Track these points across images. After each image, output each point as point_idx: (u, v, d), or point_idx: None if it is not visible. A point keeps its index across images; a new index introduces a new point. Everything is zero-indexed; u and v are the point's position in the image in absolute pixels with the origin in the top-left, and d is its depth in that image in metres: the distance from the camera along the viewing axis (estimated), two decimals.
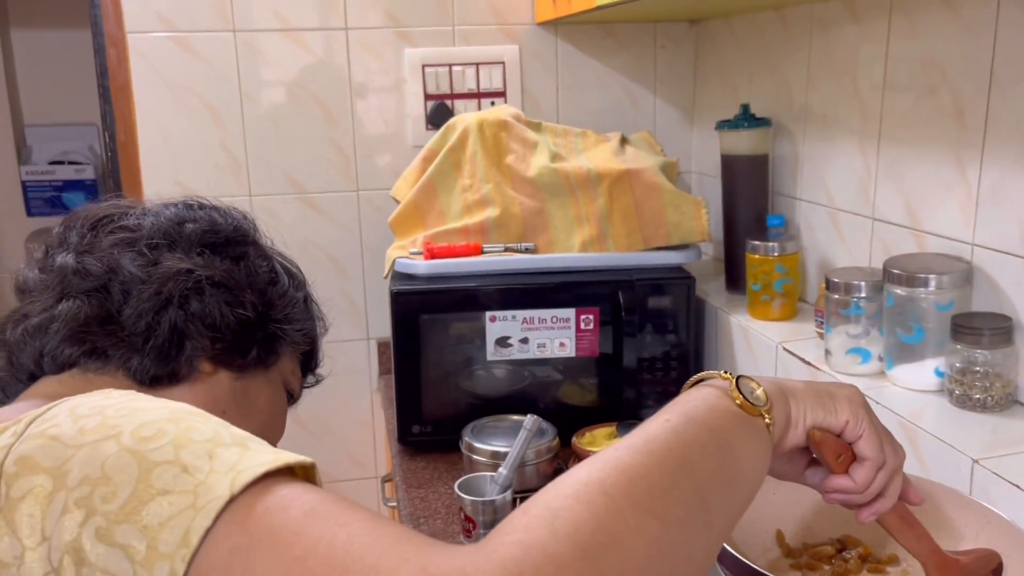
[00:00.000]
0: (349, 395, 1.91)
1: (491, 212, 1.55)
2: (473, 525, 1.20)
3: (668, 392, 1.51)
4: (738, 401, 0.64)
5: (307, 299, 0.90)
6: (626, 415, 1.50)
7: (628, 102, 1.90)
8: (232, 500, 0.50)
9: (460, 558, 0.47)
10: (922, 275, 1.11)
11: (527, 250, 1.54)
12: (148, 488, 0.51)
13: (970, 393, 1.06)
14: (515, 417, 1.39)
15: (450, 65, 1.81)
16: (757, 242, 1.46)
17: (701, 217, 1.53)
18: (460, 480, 1.25)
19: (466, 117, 1.62)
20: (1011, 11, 1.05)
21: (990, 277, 1.11)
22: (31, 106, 3.41)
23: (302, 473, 0.56)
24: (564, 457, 1.41)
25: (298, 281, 0.89)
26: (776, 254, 1.43)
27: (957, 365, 1.07)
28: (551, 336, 1.49)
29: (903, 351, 1.15)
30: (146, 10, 1.70)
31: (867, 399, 1.13)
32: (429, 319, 1.48)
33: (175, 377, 0.76)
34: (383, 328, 1.87)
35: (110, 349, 0.74)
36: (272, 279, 0.85)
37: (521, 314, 1.48)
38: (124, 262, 0.76)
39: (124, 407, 0.56)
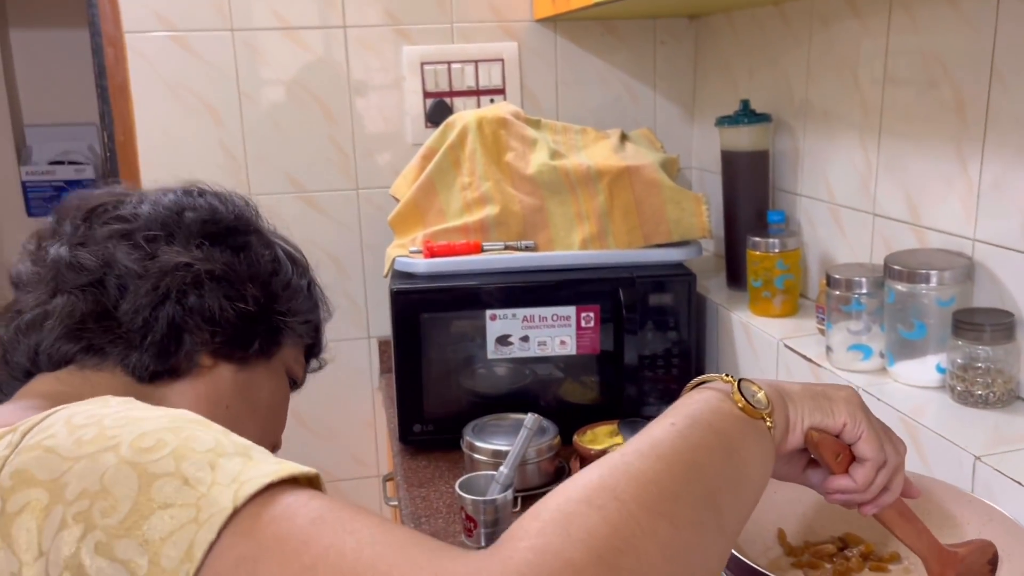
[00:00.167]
0: (350, 394, 1.91)
1: (491, 210, 1.54)
2: (474, 524, 1.20)
3: (669, 389, 1.51)
4: (740, 404, 0.64)
5: (311, 285, 0.88)
6: (627, 412, 1.49)
7: (628, 98, 1.90)
8: (236, 512, 0.49)
9: (474, 564, 0.46)
10: (923, 271, 1.10)
11: (527, 248, 1.54)
12: (149, 501, 0.49)
13: (972, 389, 1.06)
14: (516, 415, 1.39)
15: (449, 63, 1.80)
16: (758, 238, 1.45)
17: (702, 213, 1.53)
18: (461, 479, 1.25)
19: (465, 115, 1.62)
20: (1011, 4, 1.04)
21: (992, 272, 1.10)
22: (31, 106, 3.41)
23: (306, 482, 0.55)
24: (565, 455, 1.41)
25: (301, 268, 0.87)
26: (777, 250, 1.43)
27: (959, 361, 1.06)
28: (552, 334, 1.49)
29: (904, 347, 1.14)
30: (144, 9, 1.69)
31: (868, 396, 1.13)
32: (429, 318, 1.47)
33: (175, 372, 0.74)
34: (384, 327, 1.87)
35: (107, 346, 0.72)
36: (275, 269, 0.82)
37: (521, 312, 1.47)
38: (120, 255, 0.74)
39: (122, 416, 0.55)
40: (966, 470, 0.96)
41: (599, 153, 1.60)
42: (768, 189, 1.59)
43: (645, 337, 1.49)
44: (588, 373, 1.51)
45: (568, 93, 1.87)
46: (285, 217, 1.77)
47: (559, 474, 1.38)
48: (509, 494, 1.21)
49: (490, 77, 1.82)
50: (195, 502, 0.49)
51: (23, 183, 3.33)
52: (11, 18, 3.34)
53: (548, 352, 1.49)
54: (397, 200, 1.65)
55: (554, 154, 1.58)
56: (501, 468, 1.24)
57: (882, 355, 1.20)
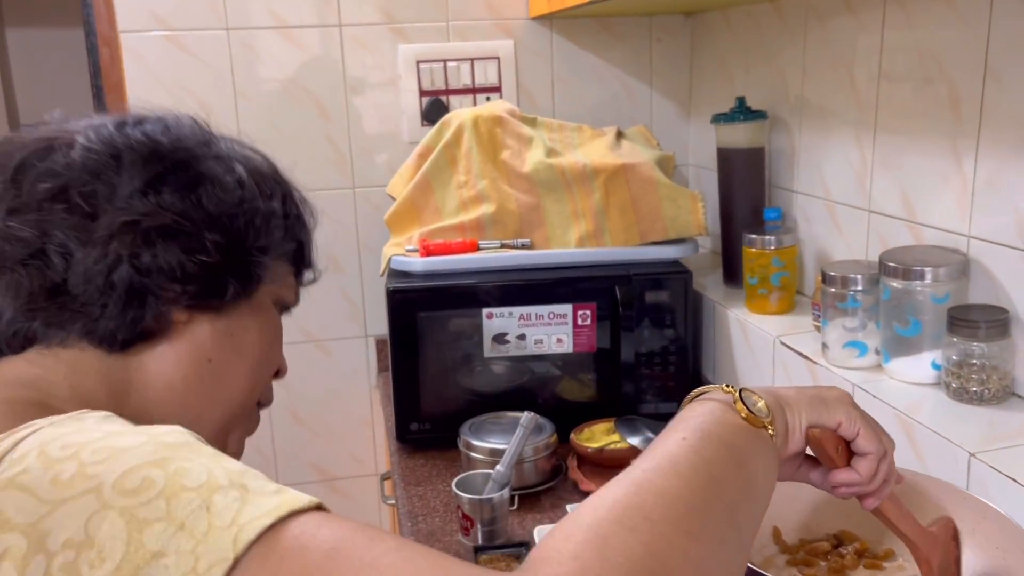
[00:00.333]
0: (348, 393, 1.91)
1: (487, 208, 1.54)
2: (471, 523, 1.20)
3: (666, 387, 1.51)
4: (743, 414, 0.64)
5: (285, 200, 0.77)
6: (624, 410, 1.50)
7: (624, 96, 1.90)
8: (237, 561, 0.46)
9: None
10: (918, 268, 1.11)
11: (523, 246, 1.54)
12: (140, 550, 0.46)
13: (967, 386, 1.06)
14: (513, 414, 1.39)
15: (445, 61, 1.80)
16: (754, 235, 1.45)
17: (698, 211, 1.53)
18: (458, 478, 1.25)
19: (461, 113, 1.62)
20: (1005, 1, 1.04)
21: (987, 269, 1.10)
22: (27, 105, 3.41)
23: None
24: (563, 453, 1.41)
25: (270, 186, 0.76)
26: (773, 247, 1.43)
27: (954, 358, 1.07)
28: (548, 332, 1.49)
29: (900, 344, 1.15)
30: (139, 9, 1.69)
31: (864, 393, 1.13)
32: (426, 316, 1.48)
33: (148, 336, 0.68)
34: (381, 326, 1.87)
35: (65, 323, 0.65)
36: (239, 198, 0.71)
37: (518, 310, 1.47)
38: (56, 221, 0.65)
39: (101, 447, 0.50)
40: (961, 467, 0.96)
41: (595, 151, 1.60)
42: (764, 186, 1.59)
43: (642, 335, 1.50)
44: (585, 371, 1.52)
45: (564, 91, 1.87)
46: None
47: (556, 472, 1.38)
48: (506, 492, 1.21)
49: (486, 75, 1.82)
50: (192, 550, 0.46)
51: None
52: (7, 18, 3.33)
53: (545, 350, 1.49)
54: (393, 199, 1.65)
55: (550, 152, 1.58)
56: (498, 467, 1.24)
57: (878, 352, 1.20)
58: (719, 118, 1.57)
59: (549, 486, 1.35)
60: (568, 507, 1.25)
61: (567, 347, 1.49)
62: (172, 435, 0.53)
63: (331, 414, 1.92)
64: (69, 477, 0.48)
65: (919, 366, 1.13)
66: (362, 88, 1.80)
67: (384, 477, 1.64)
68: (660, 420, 1.42)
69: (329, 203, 1.82)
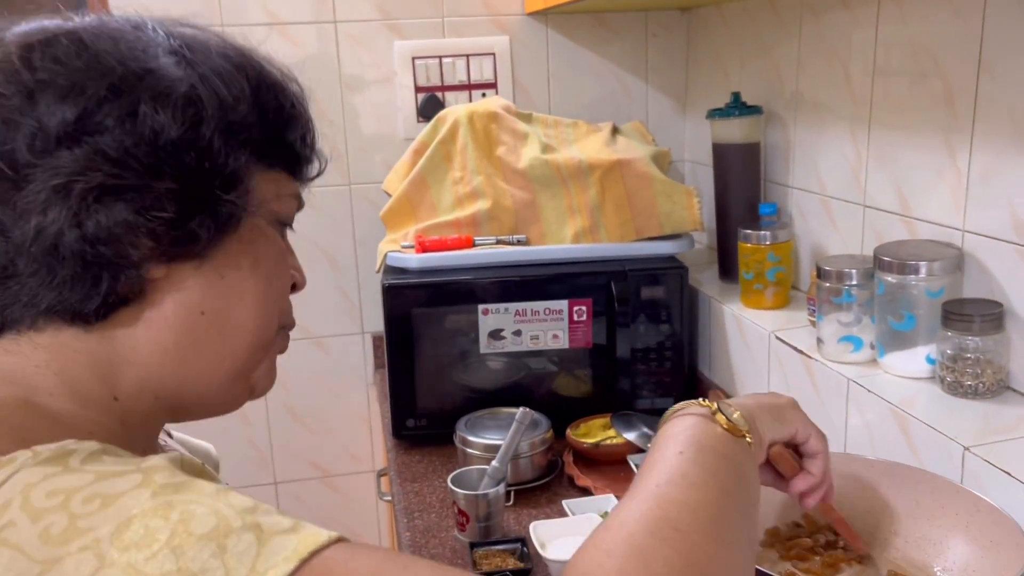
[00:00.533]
0: (345, 389, 1.91)
1: (482, 204, 1.54)
2: (467, 519, 1.20)
3: (662, 382, 1.51)
4: (725, 425, 0.67)
5: (259, 94, 0.63)
6: (620, 406, 1.50)
7: (620, 91, 1.89)
8: None
9: None
10: (912, 262, 1.11)
11: (519, 242, 1.54)
12: None
13: (961, 380, 1.06)
14: (509, 410, 1.39)
15: (440, 57, 1.80)
16: (749, 231, 1.45)
17: (693, 207, 1.53)
18: (453, 474, 1.25)
19: (456, 109, 1.62)
20: None
21: (981, 263, 1.10)
22: None
23: None
24: (559, 449, 1.41)
25: (234, 84, 0.61)
26: (768, 243, 1.43)
27: (948, 352, 1.07)
28: (544, 328, 1.49)
29: (894, 338, 1.15)
30: (133, 5, 1.68)
31: (859, 387, 1.14)
32: (421, 313, 1.48)
33: (123, 302, 0.58)
34: (378, 322, 1.87)
35: (25, 305, 0.57)
36: (190, 120, 0.58)
37: (514, 306, 1.47)
38: None
39: (92, 493, 0.46)
40: (955, 461, 0.96)
41: (591, 147, 1.60)
42: (759, 181, 1.59)
43: (637, 330, 1.50)
44: (581, 367, 1.52)
45: (560, 86, 1.87)
46: None
47: (552, 468, 1.38)
48: (501, 488, 1.21)
49: (482, 71, 1.82)
50: None
51: None
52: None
53: (541, 346, 1.49)
54: (389, 195, 1.65)
55: (545, 148, 1.58)
56: (493, 462, 1.24)
57: (872, 346, 1.20)
58: (714, 113, 1.57)
59: (545, 481, 1.35)
60: (564, 503, 1.25)
61: (563, 343, 1.49)
62: (169, 473, 0.48)
63: (328, 411, 1.92)
64: (60, 531, 0.44)
65: (914, 360, 1.13)
66: (358, 85, 1.80)
67: (381, 473, 1.64)
68: (656, 416, 1.41)
69: (325, 199, 1.82)
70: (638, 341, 1.50)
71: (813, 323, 1.31)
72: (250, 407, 1.93)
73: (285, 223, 0.69)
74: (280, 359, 0.71)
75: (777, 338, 1.34)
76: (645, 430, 1.35)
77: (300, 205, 0.71)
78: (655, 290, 1.49)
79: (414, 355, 1.48)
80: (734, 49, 1.70)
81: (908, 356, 1.14)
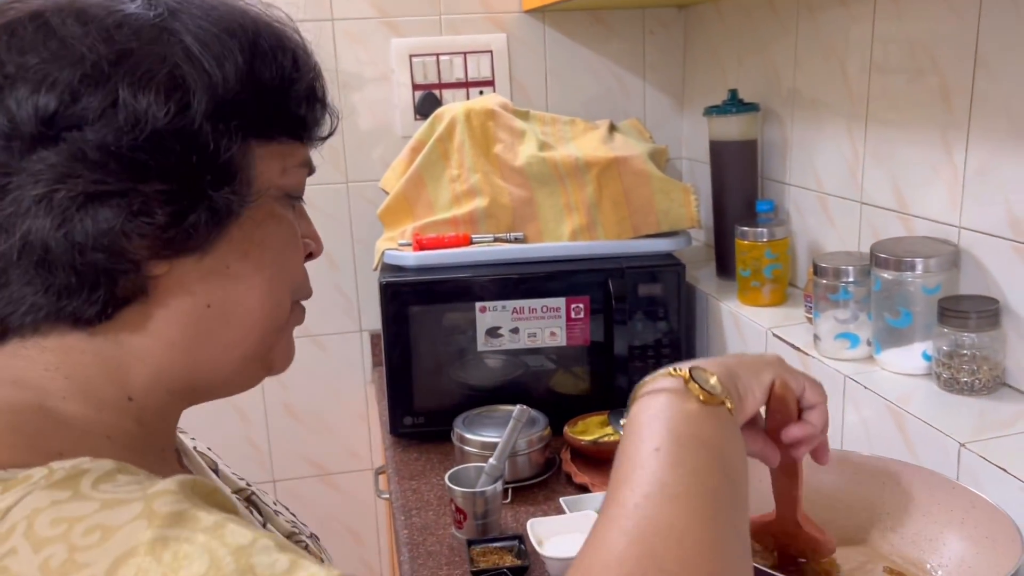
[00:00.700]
0: (343, 387, 1.92)
1: (480, 202, 1.54)
2: (464, 516, 1.20)
3: None
4: (701, 397, 0.61)
5: (255, 63, 0.57)
6: (618, 403, 1.49)
7: (618, 88, 1.89)
8: None
9: None
10: (909, 259, 1.11)
11: (516, 240, 1.54)
12: None
13: (958, 376, 1.06)
14: (506, 407, 1.39)
15: (437, 55, 1.80)
16: (746, 228, 1.45)
17: (690, 204, 1.53)
18: (451, 471, 1.25)
19: (453, 107, 1.62)
20: None
21: (977, 260, 1.10)
22: None
23: None
24: (556, 446, 1.41)
25: (228, 57, 0.56)
26: (765, 240, 1.43)
27: (944, 348, 1.07)
28: (542, 326, 1.49)
29: (891, 335, 1.15)
30: None
31: (855, 384, 1.14)
32: (419, 311, 1.48)
33: (127, 300, 0.56)
34: (375, 320, 1.87)
35: (25, 315, 0.54)
36: (180, 102, 0.53)
37: (511, 304, 1.48)
38: None
39: (94, 524, 0.45)
40: (951, 457, 0.96)
41: (588, 144, 1.60)
42: (757, 178, 1.59)
43: (635, 328, 1.50)
44: (578, 364, 1.52)
45: (557, 84, 1.87)
46: None
47: (549, 465, 1.38)
48: (498, 486, 1.21)
49: (479, 69, 1.81)
50: None
51: None
52: None
53: (538, 344, 1.50)
54: (386, 193, 1.65)
55: (543, 145, 1.58)
56: (490, 460, 1.24)
57: (869, 343, 1.20)
58: (711, 111, 1.57)
59: (543, 479, 1.35)
60: (561, 500, 1.25)
61: (560, 340, 1.50)
62: (169, 498, 0.47)
63: (326, 408, 1.92)
64: (59, 564, 0.43)
65: (910, 357, 1.13)
66: (355, 82, 1.80)
67: (379, 471, 1.64)
68: None
69: (322, 197, 1.82)
70: (635, 338, 1.50)
71: (810, 320, 1.31)
72: (248, 405, 1.92)
73: (295, 198, 0.65)
74: None
75: (774, 335, 1.34)
76: None
77: (311, 170, 0.66)
78: (652, 287, 1.49)
79: (412, 353, 1.48)
80: (731, 46, 1.70)
81: (904, 353, 1.14)
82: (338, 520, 1.98)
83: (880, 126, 1.28)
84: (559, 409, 1.45)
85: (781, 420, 0.72)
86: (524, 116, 1.66)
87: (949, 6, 1.11)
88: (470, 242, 1.53)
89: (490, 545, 1.17)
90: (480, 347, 1.49)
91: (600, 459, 1.38)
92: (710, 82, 1.80)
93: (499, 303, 1.48)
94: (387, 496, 1.45)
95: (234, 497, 0.71)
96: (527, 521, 1.16)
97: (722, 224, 1.60)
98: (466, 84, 1.82)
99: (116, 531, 0.44)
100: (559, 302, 1.48)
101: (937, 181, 1.16)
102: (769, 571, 0.74)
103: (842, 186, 1.38)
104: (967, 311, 1.04)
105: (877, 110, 1.28)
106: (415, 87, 1.81)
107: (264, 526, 0.72)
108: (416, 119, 1.80)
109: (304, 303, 0.70)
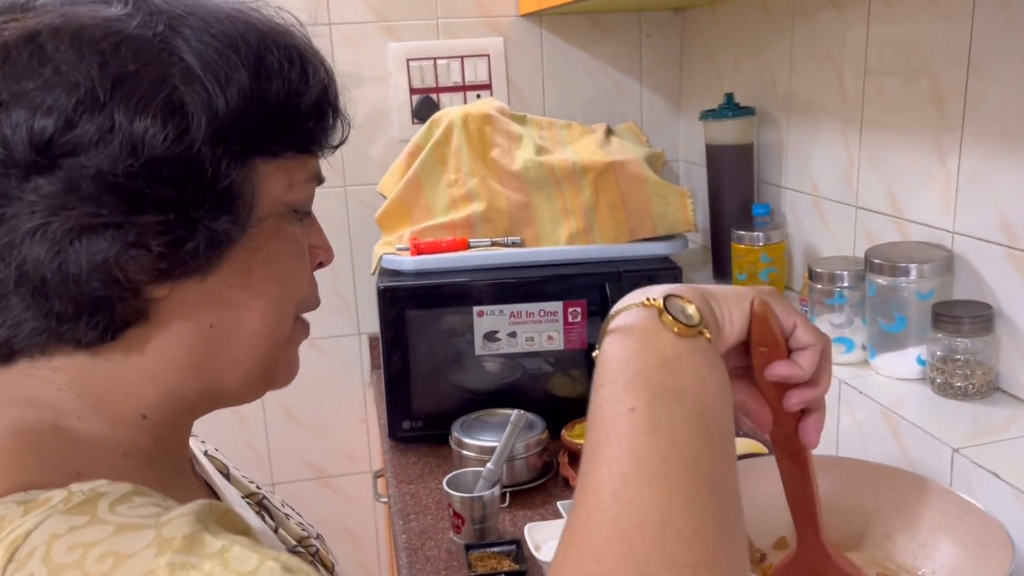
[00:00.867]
0: (342, 390, 1.92)
1: (477, 206, 1.55)
2: (462, 521, 1.21)
3: None
4: (676, 330, 0.55)
5: (258, 70, 0.55)
6: None
7: (615, 92, 1.90)
8: None
9: None
10: (903, 264, 1.11)
11: (514, 244, 1.54)
12: None
13: (951, 381, 1.07)
14: (504, 411, 1.40)
15: (435, 59, 1.80)
16: (742, 231, 1.46)
17: (686, 208, 1.54)
18: (449, 476, 1.26)
19: (450, 111, 1.62)
20: None
21: (971, 265, 1.11)
22: None
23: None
24: (554, 450, 1.42)
25: (233, 77, 0.54)
26: (761, 243, 1.44)
27: (938, 353, 1.07)
28: (539, 329, 1.49)
29: (885, 340, 1.15)
30: None
31: (850, 388, 1.14)
32: (417, 315, 1.48)
33: (128, 324, 0.56)
34: (374, 323, 1.87)
35: (29, 337, 0.54)
36: (178, 127, 0.52)
37: (509, 308, 1.48)
38: None
39: (107, 550, 0.46)
40: (944, 462, 0.97)
41: (584, 148, 1.61)
42: (753, 182, 1.60)
43: None
44: (576, 368, 1.52)
45: (554, 87, 1.87)
46: None
47: (547, 469, 1.39)
48: (496, 490, 1.22)
49: (476, 72, 1.82)
50: None
51: None
52: None
53: (536, 347, 1.50)
54: (384, 197, 1.66)
55: (539, 150, 1.59)
56: (488, 465, 1.25)
57: (864, 347, 1.21)
58: (707, 115, 1.58)
59: (540, 483, 1.36)
60: (559, 504, 1.26)
61: (558, 344, 1.50)
62: (182, 523, 0.47)
63: (325, 411, 1.93)
64: None
65: (904, 362, 1.14)
66: (352, 86, 1.80)
67: (377, 475, 1.65)
68: None
69: (320, 201, 1.80)
70: None
71: None
72: (247, 408, 1.93)
73: (302, 213, 0.63)
74: None
75: None
76: None
77: (320, 181, 0.64)
78: None
79: (410, 357, 1.49)
80: (727, 49, 1.70)
81: (899, 357, 1.15)
82: (337, 523, 1.98)
83: (875, 130, 1.28)
84: (556, 412, 1.46)
85: (767, 355, 0.62)
86: (521, 120, 1.67)
87: (942, 11, 1.12)
88: (467, 246, 1.53)
89: (488, 550, 1.17)
90: (478, 351, 1.50)
91: None
92: (706, 85, 1.80)
93: (496, 307, 1.48)
94: (385, 500, 1.46)
95: (245, 503, 0.72)
96: (525, 526, 1.17)
97: (719, 227, 1.61)
98: (463, 88, 1.83)
99: (128, 558, 0.45)
100: (556, 306, 1.49)
101: (931, 186, 1.17)
102: None
103: (837, 190, 1.39)
104: (961, 316, 1.05)
105: (872, 114, 1.29)
106: (412, 91, 1.82)
107: (276, 531, 0.73)
108: (414, 123, 1.81)
109: None
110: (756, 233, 1.45)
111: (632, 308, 0.57)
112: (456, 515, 1.21)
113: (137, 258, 0.52)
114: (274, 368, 0.64)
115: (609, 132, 1.71)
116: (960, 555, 0.82)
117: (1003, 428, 1.00)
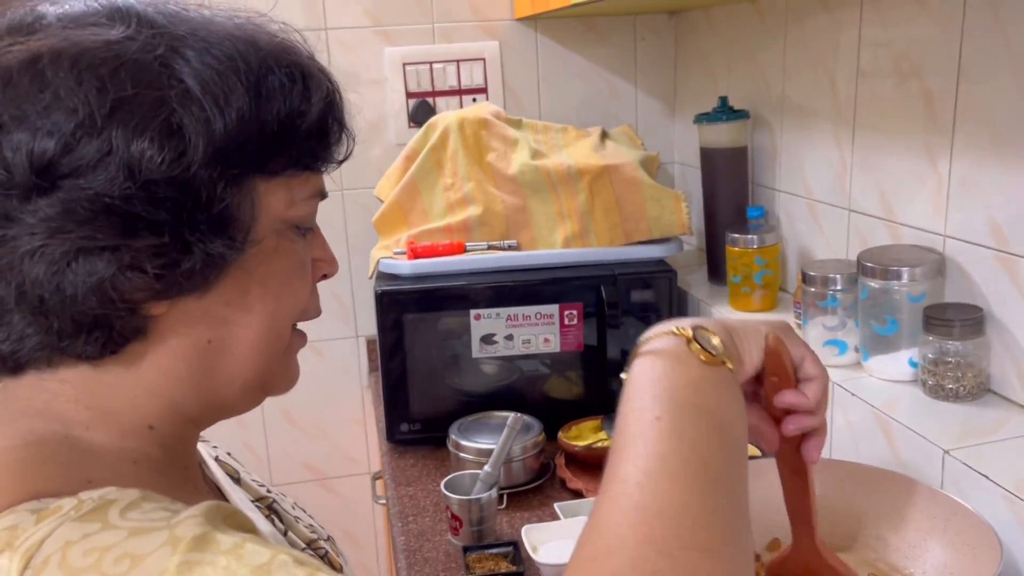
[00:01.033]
0: (340, 393, 1.93)
1: (473, 210, 1.56)
2: (460, 523, 1.22)
3: None
4: (703, 358, 0.60)
5: (259, 91, 0.56)
6: (611, 408, 1.50)
7: (609, 95, 1.91)
8: None
9: None
10: (895, 268, 1.12)
11: (510, 247, 1.55)
12: None
13: (943, 383, 1.08)
14: (501, 414, 1.41)
15: (431, 63, 1.81)
16: (736, 235, 1.47)
17: (681, 211, 1.55)
18: (446, 478, 1.27)
19: (447, 116, 1.63)
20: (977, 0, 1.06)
21: (962, 268, 1.12)
22: None
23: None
24: (551, 452, 1.43)
25: (234, 99, 0.55)
26: (755, 246, 1.45)
27: (930, 356, 1.09)
28: (536, 332, 1.51)
29: (878, 342, 1.17)
30: None
31: (843, 390, 1.15)
32: (414, 318, 1.49)
33: (127, 339, 0.57)
34: (372, 326, 1.88)
35: (33, 351, 0.56)
36: (176, 150, 0.53)
37: (505, 311, 1.49)
38: None
39: (122, 553, 0.47)
40: (936, 463, 0.98)
41: (580, 152, 1.62)
42: (747, 185, 1.61)
43: (628, 333, 1.51)
44: (572, 370, 1.53)
45: (550, 91, 1.88)
46: None
47: (544, 471, 1.40)
48: (493, 492, 1.23)
49: (472, 76, 1.83)
50: None
51: None
52: None
53: (532, 350, 1.51)
54: (381, 201, 1.67)
55: (535, 154, 1.60)
56: (485, 467, 1.26)
57: (857, 350, 1.22)
58: (702, 118, 1.59)
59: (537, 485, 1.37)
60: (556, 506, 1.27)
61: (554, 347, 1.51)
62: (193, 523, 0.49)
63: (323, 414, 1.94)
64: None
65: (897, 364, 1.15)
66: (348, 91, 1.81)
67: (376, 477, 1.66)
68: None
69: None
70: (629, 344, 1.52)
71: (799, 326, 1.33)
72: (246, 412, 1.93)
73: (304, 229, 0.64)
74: None
75: None
76: None
77: (323, 197, 0.65)
78: (645, 293, 1.51)
79: (407, 360, 1.50)
80: (721, 53, 1.71)
81: (891, 360, 1.16)
82: (336, 524, 1.98)
83: (867, 134, 1.30)
84: (553, 414, 1.47)
85: (777, 384, 0.68)
86: (517, 124, 1.68)
87: (932, 15, 1.13)
88: (464, 250, 1.55)
89: (485, 552, 1.18)
90: (475, 354, 1.51)
91: (594, 464, 1.39)
92: (700, 88, 1.81)
93: (493, 310, 1.49)
94: (384, 502, 1.47)
95: (255, 506, 0.73)
96: (522, 527, 1.18)
97: (713, 230, 1.62)
98: (459, 92, 1.84)
99: (144, 559, 0.46)
100: (553, 309, 1.50)
101: (922, 189, 1.18)
102: None
103: (830, 193, 1.40)
104: (952, 319, 1.06)
105: (864, 118, 1.30)
106: (409, 95, 1.83)
107: (285, 534, 0.74)
108: (410, 126, 1.82)
109: None
110: (750, 236, 1.46)
111: (663, 336, 0.61)
112: (454, 517, 1.22)
113: (133, 279, 0.54)
114: (272, 379, 0.65)
115: (604, 135, 1.72)
116: (950, 556, 0.83)
117: (993, 430, 1.01)
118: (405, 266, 1.52)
